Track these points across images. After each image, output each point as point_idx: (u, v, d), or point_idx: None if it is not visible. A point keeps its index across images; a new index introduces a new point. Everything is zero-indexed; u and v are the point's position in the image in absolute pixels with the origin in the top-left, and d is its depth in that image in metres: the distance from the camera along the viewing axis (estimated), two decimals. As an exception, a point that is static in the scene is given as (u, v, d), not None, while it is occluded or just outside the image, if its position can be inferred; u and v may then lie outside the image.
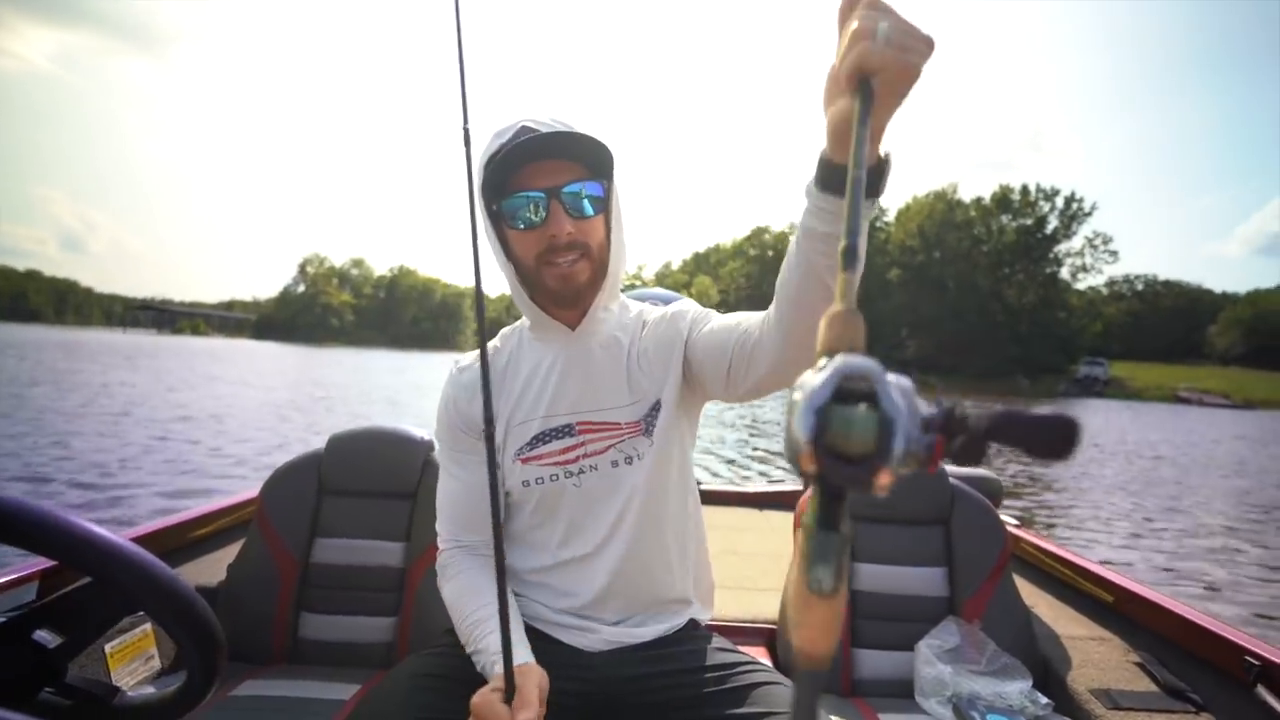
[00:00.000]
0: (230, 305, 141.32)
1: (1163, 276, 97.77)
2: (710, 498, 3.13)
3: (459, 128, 0.87)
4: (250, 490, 1.93)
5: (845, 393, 0.26)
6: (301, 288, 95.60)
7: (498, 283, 0.96)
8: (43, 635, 0.68)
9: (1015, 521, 2.19)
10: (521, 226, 0.92)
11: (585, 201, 0.92)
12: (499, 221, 0.95)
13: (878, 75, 0.52)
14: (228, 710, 1.23)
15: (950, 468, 1.69)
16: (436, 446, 1.10)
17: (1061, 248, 58.40)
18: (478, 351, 0.98)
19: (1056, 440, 0.29)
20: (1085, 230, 59.08)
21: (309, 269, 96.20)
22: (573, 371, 1.01)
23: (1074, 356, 59.44)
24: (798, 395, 0.27)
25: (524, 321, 1.08)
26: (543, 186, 0.90)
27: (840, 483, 0.26)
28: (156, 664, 1.39)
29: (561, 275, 0.93)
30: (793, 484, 3.22)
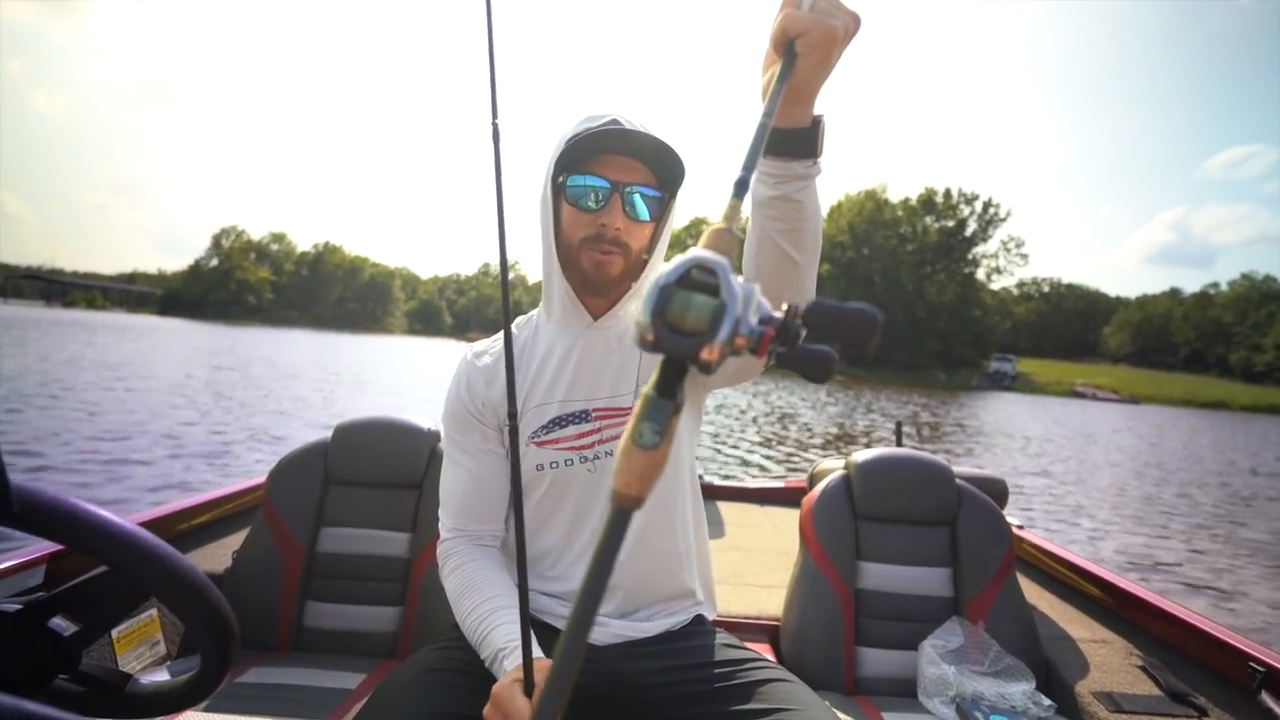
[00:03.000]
0: (132, 278, 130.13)
1: (1066, 280, 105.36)
2: (714, 493, 3.12)
3: (481, 121, 0.88)
4: (256, 478, 1.94)
5: (692, 280, 0.30)
6: (215, 261, 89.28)
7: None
8: (58, 622, 0.68)
9: (1019, 523, 2.23)
10: (580, 207, 0.95)
11: (643, 206, 0.96)
12: (559, 195, 0.97)
13: (801, 38, 0.59)
14: (234, 697, 1.23)
15: (957, 469, 1.70)
16: (442, 434, 1.08)
17: (979, 249, 61.89)
18: (494, 338, 1.02)
19: (860, 329, 0.32)
20: (1000, 234, 62.93)
21: (224, 242, 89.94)
22: (589, 359, 1.02)
23: (986, 352, 63.26)
24: (652, 278, 0.30)
25: (539, 311, 1.10)
26: (610, 178, 0.94)
27: (672, 351, 0.29)
28: (162, 649, 1.39)
29: (597, 261, 0.96)
30: (796, 480, 3.23)
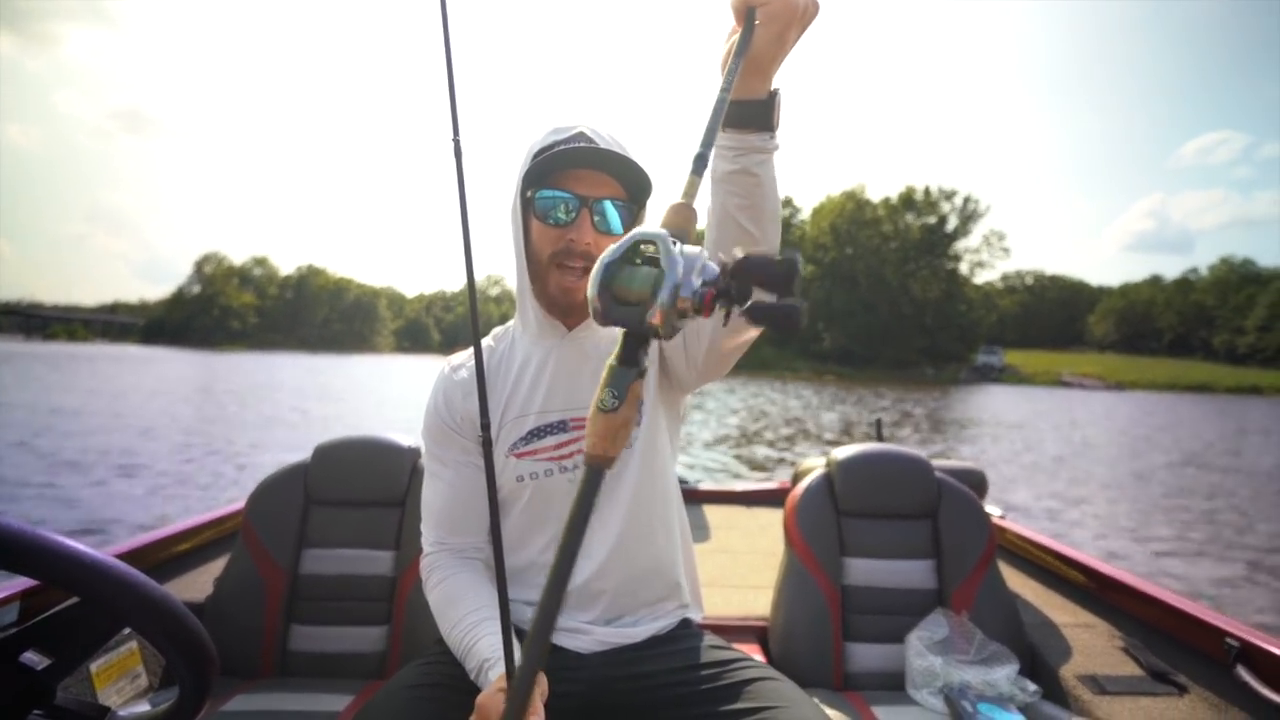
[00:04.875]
0: (114, 308, 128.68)
1: (1050, 271, 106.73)
2: (699, 496, 3.12)
3: (444, 137, 0.90)
4: (235, 504, 1.92)
5: (636, 255, 0.33)
6: (197, 288, 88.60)
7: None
8: (30, 657, 0.66)
9: (1000, 513, 2.25)
10: (549, 222, 0.95)
11: (614, 215, 0.96)
12: (528, 210, 0.97)
13: (762, 7, 0.63)
14: None
15: (936, 462, 1.71)
16: (422, 449, 1.08)
17: (961, 244, 62.62)
18: (471, 352, 1.00)
19: (783, 274, 0.34)
20: (982, 228, 63.79)
21: (206, 268, 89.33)
22: (564, 370, 1.02)
23: (973, 346, 63.79)
24: (600, 258, 0.33)
25: (514, 323, 1.09)
26: (579, 192, 0.94)
27: (620, 321, 0.32)
28: (144, 681, 1.36)
29: (565, 287, 0.96)
30: (780, 482, 3.25)
